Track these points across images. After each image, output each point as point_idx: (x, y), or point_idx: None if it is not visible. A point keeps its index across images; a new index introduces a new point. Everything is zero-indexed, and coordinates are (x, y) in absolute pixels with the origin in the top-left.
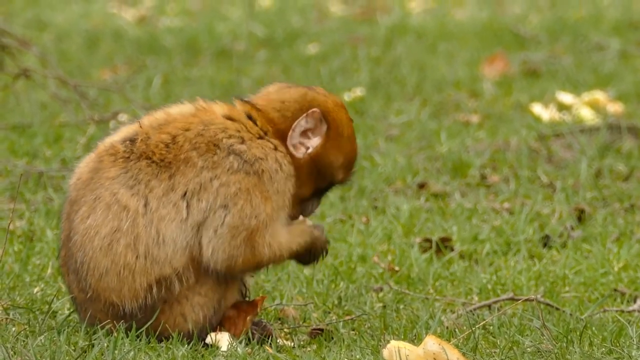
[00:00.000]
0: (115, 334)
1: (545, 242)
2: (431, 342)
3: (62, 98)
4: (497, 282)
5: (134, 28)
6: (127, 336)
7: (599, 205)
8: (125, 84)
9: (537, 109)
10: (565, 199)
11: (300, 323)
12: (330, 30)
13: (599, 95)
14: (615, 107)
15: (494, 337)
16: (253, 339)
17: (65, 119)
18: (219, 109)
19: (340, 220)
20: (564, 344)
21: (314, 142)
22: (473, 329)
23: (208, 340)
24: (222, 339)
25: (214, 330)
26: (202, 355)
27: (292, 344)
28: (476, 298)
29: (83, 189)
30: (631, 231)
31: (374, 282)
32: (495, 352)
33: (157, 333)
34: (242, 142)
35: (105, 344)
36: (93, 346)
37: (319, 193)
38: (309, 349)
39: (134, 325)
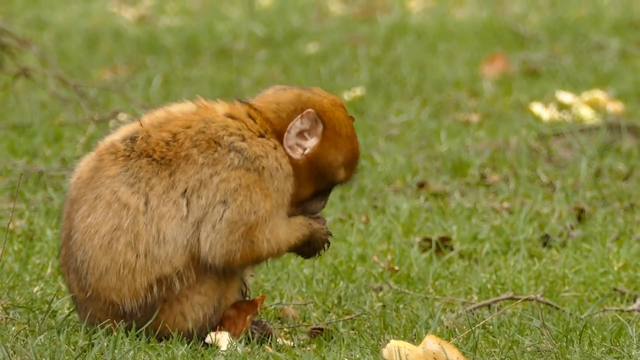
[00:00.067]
0: (115, 333)
1: (545, 241)
2: (431, 342)
3: (62, 97)
4: (497, 282)
5: (134, 27)
6: (127, 335)
7: (598, 205)
8: (125, 83)
9: (537, 108)
10: (565, 199)
11: (300, 322)
12: (330, 30)
13: (598, 95)
14: (615, 107)
15: (493, 336)
16: (253, 339)
17: (65, 119)
18: (220, 107)
19: (340, 219)
20: (564, 344)
21: (311, 142)
22: (473, 328)
23: (208, 339)
24: (222, 339)
25: (214, 329)
26: (202, 355)
27: (292, 343)
28: (476, 297)
29: (83, 187)
30: (631, 230)
31: (374, 282)
32: (495, 351)
33: (157, 332)
34: (243, 139)
35: (105, 344)
36: (93, 345)
37: (322, 193)
38: (308, 348)
39: (134, 325)
